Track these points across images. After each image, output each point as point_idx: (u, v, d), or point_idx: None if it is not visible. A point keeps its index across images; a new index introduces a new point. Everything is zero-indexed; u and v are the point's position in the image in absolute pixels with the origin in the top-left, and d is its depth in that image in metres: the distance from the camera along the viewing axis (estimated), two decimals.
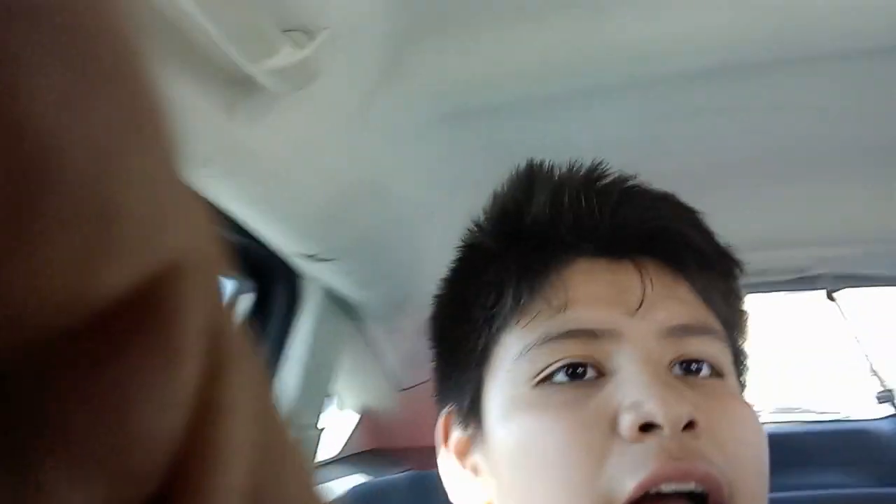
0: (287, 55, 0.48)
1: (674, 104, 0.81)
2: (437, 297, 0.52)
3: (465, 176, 0.92)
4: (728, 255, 0.48)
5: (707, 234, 0.46)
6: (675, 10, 0.67)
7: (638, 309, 0.41)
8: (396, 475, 1.46)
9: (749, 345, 0.48)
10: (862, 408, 1.86)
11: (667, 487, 0.36)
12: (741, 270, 0.49)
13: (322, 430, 1.17)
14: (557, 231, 0.44)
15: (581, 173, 0.47)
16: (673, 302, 0.42)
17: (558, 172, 0.47)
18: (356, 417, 1.70)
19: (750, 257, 1.36)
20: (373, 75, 0.63)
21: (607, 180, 0.46)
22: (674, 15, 0.67)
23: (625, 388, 0.38)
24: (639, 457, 0.36)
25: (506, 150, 0.90)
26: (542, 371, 0.41)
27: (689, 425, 0.37)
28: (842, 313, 1.52)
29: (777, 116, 0.84)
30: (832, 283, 1.44)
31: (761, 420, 0.42)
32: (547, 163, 0.48)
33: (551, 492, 0.39)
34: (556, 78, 0.73)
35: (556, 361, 0.41)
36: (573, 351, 0.41)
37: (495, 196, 0.49)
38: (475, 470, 0.47)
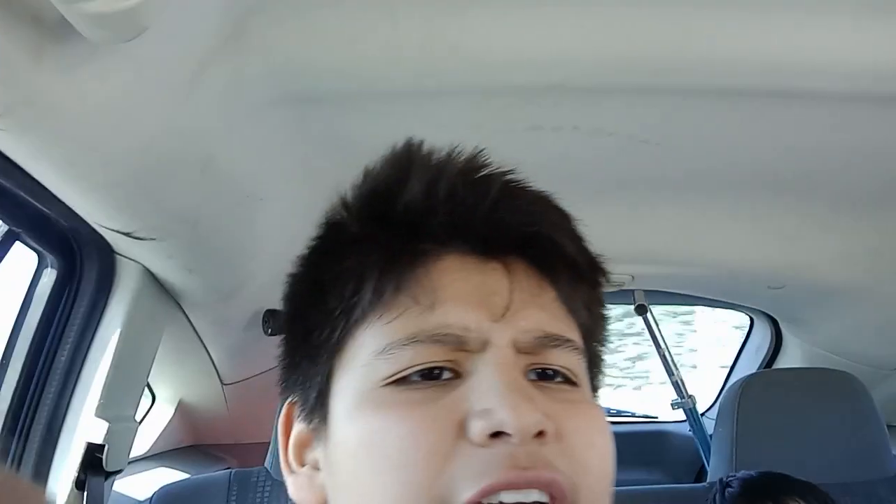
0: (109, 1, 0.43)
1: (514, 117, 0.85)
2: (292, 276, 0.47)
3: (304, 163, 0.90)
4: (597, 265, 0.47)
5: (579, 243, 0.45)
6: (526, 25, 0.69)
7: (503, 315, 0.40)
8: (216, 472, 1.39)
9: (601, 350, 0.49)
10: (664, 411, 2.06)
11: (507, 497, 0.36)
12: (607, 280, 0.48)
13: (139, 422, 1.07)
14: (430, 223, 0.42)
15: (460, 162, 0.44)
16: (536, 310, 0.42)
17: (437, 158, 0.44)
18: (176, 411, 1.59)
19: None
20: (210, 41, 0.59)
21: (487, 173, 0.44)
22: (525, 30, 0.70)
23: (478, 392, 0.38)
24: (485, 463, 0.36)
25: (347, 142, 0.88)
26: (399, 371, 0.39)
27: (539, 434, 0.37)
28: (650, 326, 1.67)
29: (603, 140, 0.90)
30: (643, 298, 1.58)
31: None
32: (422, 147, 0.44)
33: (390, 490, 0.38)
34: (403, 75, 0.73)
35: (417, 364, 0.39)
36: (438, 355, 0.40)
37: (367, 174, 0.45)
38: (315, 465, 0.44)
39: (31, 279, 0.88)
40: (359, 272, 0.41)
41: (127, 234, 0.77)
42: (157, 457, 1.57)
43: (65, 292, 0.88)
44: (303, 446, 0.45)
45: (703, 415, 1.82)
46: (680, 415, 1.81)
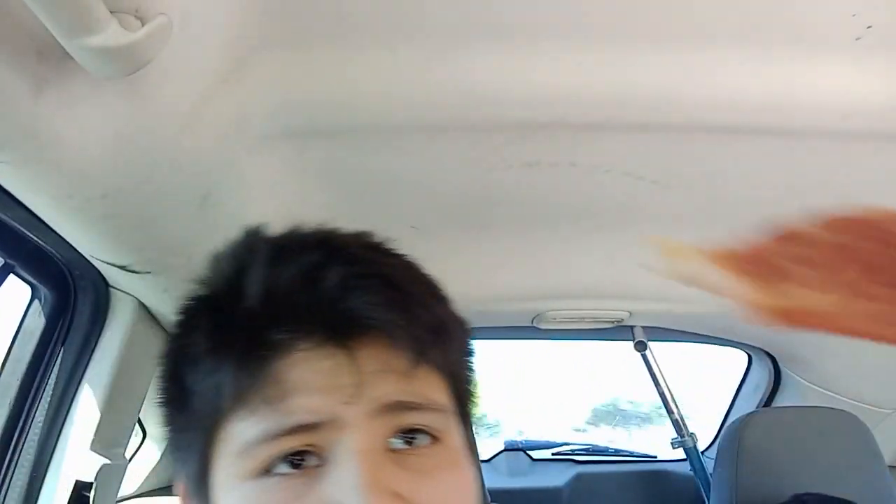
0: (112, 36, 0.43)
1: (512, 153, 0.85)
2: (163, 360, 0.50)
3: (303, 198, 0.90)
4: (446, 326, 0.49)
5: (425, 315, 0.47)
6: (524, 61, 0.70)
7: (354, 394, 0.43)
8: None
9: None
10: (665, 449, 2.03)
11: None
12: (465, 330, 0.53)
13: (129, 460, 1.05)
14: (272, 327, 0.44)
15: (296, 258, 0.46)
16: (389, 380, 0.44)
17: (274, 252, 0.46)
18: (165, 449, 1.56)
19: (569, 304, 1.44)
20: (211, 77, 0.59)
21: (325, 266, 0.45)
22: (523, 66, 0.70)
23: (336, 486, 0.41)
24: None
25: (346, 177, 0.89)
26: (262, 464, 0.42)
27: None
28: (649, 364, 1.66)
29: (600, 176, 0.91)
30: (643, 334, 1.57)
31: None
32: (263, 239, 0.48)
33: None
34: (402, 110, 0.74)
35: (276, 455, 0.42)
36: (293, 444, 0.42)
37: (213, 266, 0.48)
38: None
39: (23, 312, 0.87)
40: (216, 378, 0.44)
41: (122, 268, 0.76)
42: (147, 496, 1.53)
43: (58, 325, 0.87)
44: None
45: (703, 453, 1.79)
46: (680, 453, 1.78)
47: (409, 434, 0.45)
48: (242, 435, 0.43)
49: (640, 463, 2.10)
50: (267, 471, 0.42)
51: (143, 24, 0.46)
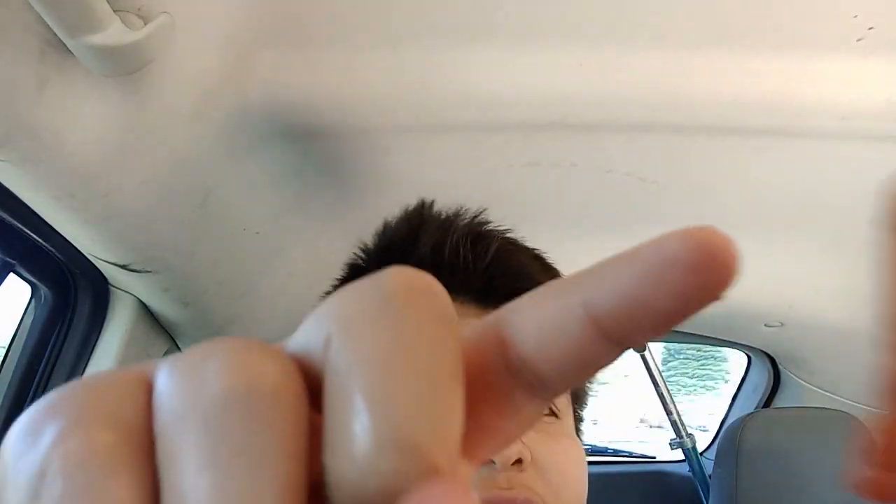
0: (115, 34, 0.43)
1: (513, 153, 0.85)
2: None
3: (303, 197, 0.90)
4: None
5: None
6: (527, 62, 0.70)
7: None
8: None
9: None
10: (663, 450, 2.03)
11: None
12: None
13: None
14: (436, 277, 0.47)
15: (464, 224, 0.51)
16: None
17: (445, 217, 0.52)
18: None
19: None
20: (213, 75, 0.59)
21: (487, 235, 0.51)
22: (525, 67, 0.70)
23: None
24: (472, 484, 0.41)
25: (346, 177, 0.89)
26: None
27: (517, 461, 0.43)
28: (648, 364, 1.66)
29: (601, 176, 0.90)
30: None
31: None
32: (433, 210, 0.53)
33: None
34: (403, 111, 0.74)
35: None
36: None
37: (385, 226, 0.53)
38: None
39: (23, 311, 0.86)
40: None
41: (123, 267, 0.76)
42: None
43: (57, 325, 0.86)
44: None
45: (701, 454, 1.79)
46: (679, 454, 1.78)
47: None
48: None
49: (639, 464, 2.10)
50: None
51: (145, 23, 0.46)
